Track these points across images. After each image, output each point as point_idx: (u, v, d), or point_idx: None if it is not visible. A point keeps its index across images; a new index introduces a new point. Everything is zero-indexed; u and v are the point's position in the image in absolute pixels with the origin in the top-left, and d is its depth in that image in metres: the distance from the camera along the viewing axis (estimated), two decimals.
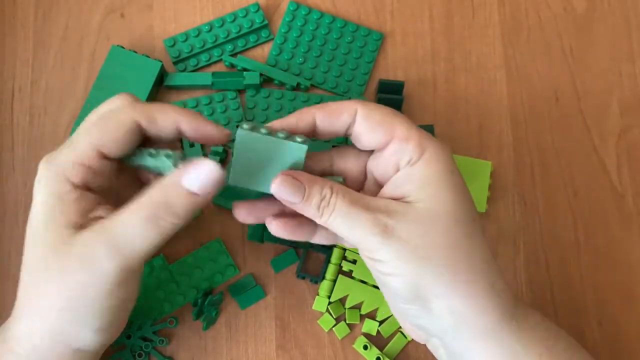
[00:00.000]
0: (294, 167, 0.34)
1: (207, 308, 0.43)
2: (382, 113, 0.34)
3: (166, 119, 0.34)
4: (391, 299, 0.35)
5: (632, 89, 0.49)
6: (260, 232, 0.44)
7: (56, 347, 0.33)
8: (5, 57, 0.48)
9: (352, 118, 0.34)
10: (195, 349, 0.44)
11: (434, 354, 0.37)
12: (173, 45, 0.47)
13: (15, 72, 0.48)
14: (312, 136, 0.35)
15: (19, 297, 0.34)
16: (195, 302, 0.43)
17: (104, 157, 0.33)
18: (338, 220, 0.32)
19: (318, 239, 0.36)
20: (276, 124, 0.34)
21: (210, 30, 0.48)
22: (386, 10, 0.50)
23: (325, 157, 0.37)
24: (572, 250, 0.46)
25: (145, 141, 0.35)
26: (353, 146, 0.36)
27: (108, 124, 0.33)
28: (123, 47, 0.46)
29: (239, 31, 0.48)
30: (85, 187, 0.33)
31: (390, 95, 0.46)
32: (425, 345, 0.44)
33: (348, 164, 0.36)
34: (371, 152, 0.36)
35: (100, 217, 0.33)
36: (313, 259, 0.45)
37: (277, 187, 0.32)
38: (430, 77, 0.49)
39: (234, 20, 0.48)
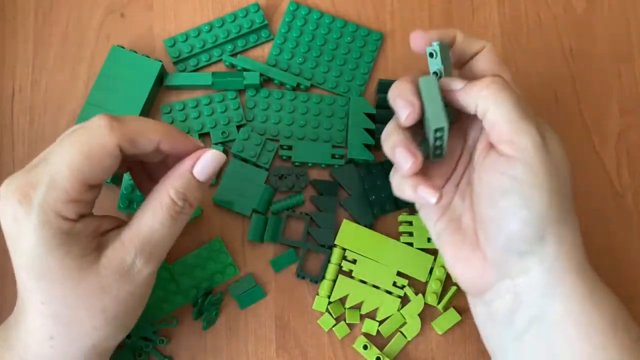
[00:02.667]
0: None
1: (207, 308, 0.43)
2: (491, 62, 0.37)
3: (147, 142, 0.33)
4: (502, 217, 0.33)
5: (632, 89, 0.49)
6: (260, 232, 0.44)
7: (90, 356, 0.34)
8: (6, 57, 0.48)
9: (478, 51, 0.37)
10: (195, 348, 0.44)
11: (480, 309, 0.36)
12: (173, 46, 0.47)
13: (15, 72, 0.48)
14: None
15: (42, 331, 0.33)
16: (195, 301, 0.43)
17: (93, 187, 0.33)
18: (506, 102, 0.33)
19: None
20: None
21: (210, 30, 0.48)
22: (386, 10, 0.50)
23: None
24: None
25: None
26: None
27: (92, 154, 0.31)
28: (123, 47, 0.46)
29: (239, 31, 0.48)
30: (81, 216, 0.33)
31: None
32: (424, 345, 0.44)
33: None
34: None
35: (107, 230, 0.34)
36: (313, 259, 0.45)
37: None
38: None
39: (234, 21, 0.48)
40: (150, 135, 0.33)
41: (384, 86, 0.46)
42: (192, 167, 0.34)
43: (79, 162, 0.31)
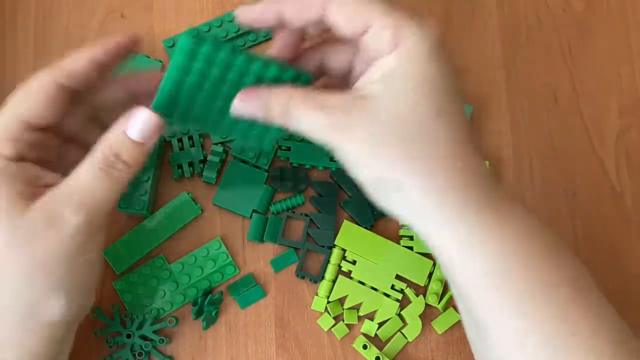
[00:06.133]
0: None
1: (207, 307, 0.43)
2: (357, 2, 0.32)
3: (80, 63, 0.35)
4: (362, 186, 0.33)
5: (631, 90, 0.49)
6: (260, 232, 0.45)
7: (28, 324, 0.33)
8: (6, 58, 0.48)
9: (323, 7, 0.32)
10: (195, 348, 0.44)
11: None
12: (173, 46, 0.47)
13: (15, 73, 0.48)
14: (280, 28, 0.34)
15: None
16: (195, 301, 0.44)
17: (34, 128, 0.34)
18: (299, 125, 0.32)
19: None
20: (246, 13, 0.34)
21: (209, 30, 0.48)
22: None
23: (318, 53, 0.37)
24: (571, 249, 0.46)
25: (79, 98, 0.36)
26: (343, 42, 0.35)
27: (28, 92, 0.34)
28: None
29: (238, 31, 0.48)
30: (22, 159, 0.34)
31: None
32: (424, 345, 0.45)
33: (337, 59, 0.36)
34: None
35: (49, 185, 0.34)
36: (313, 259, 0.46)
37: (240, 105, 0.34)
38: None
39: (233, 20, 0.48)
40: (82, 55, 0.35)
41: None
42: (127, 127, 0.35)
43: (16, 101, 0.34)
